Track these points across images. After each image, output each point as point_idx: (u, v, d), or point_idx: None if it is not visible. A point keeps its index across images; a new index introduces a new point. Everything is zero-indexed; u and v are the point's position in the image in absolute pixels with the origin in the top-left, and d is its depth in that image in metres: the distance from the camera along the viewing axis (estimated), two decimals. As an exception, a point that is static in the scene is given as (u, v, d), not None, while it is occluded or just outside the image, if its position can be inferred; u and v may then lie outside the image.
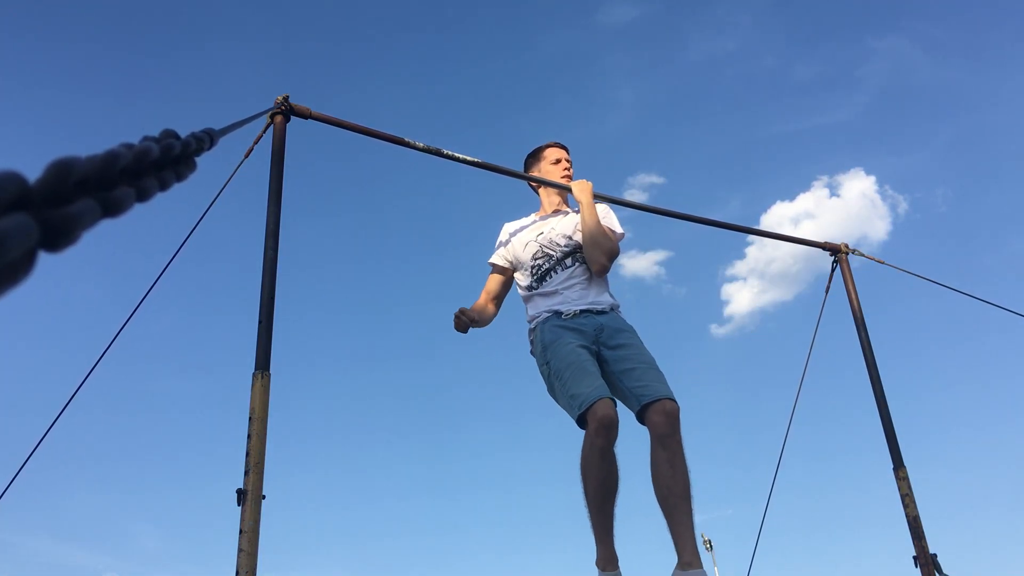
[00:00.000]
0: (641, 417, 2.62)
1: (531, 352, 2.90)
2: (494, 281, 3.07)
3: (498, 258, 3.06)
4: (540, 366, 2.80)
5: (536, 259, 2.92)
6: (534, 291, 2.90)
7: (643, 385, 2.62)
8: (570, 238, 2.95)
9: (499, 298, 3.08)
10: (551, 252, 2.92)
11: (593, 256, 2.85)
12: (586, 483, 2.52)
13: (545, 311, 2.83)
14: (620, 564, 2.58)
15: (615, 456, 2.52)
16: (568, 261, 2.90)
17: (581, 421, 2.53)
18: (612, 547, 2.56)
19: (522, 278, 2.98)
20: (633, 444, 2.79)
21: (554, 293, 2.85)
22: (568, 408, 2.60)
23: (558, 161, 3.13)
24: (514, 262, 3.02)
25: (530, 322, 2.90)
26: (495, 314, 3.08)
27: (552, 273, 2.88)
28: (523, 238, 2.99)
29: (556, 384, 2.67)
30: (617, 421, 2.50)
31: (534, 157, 3.19)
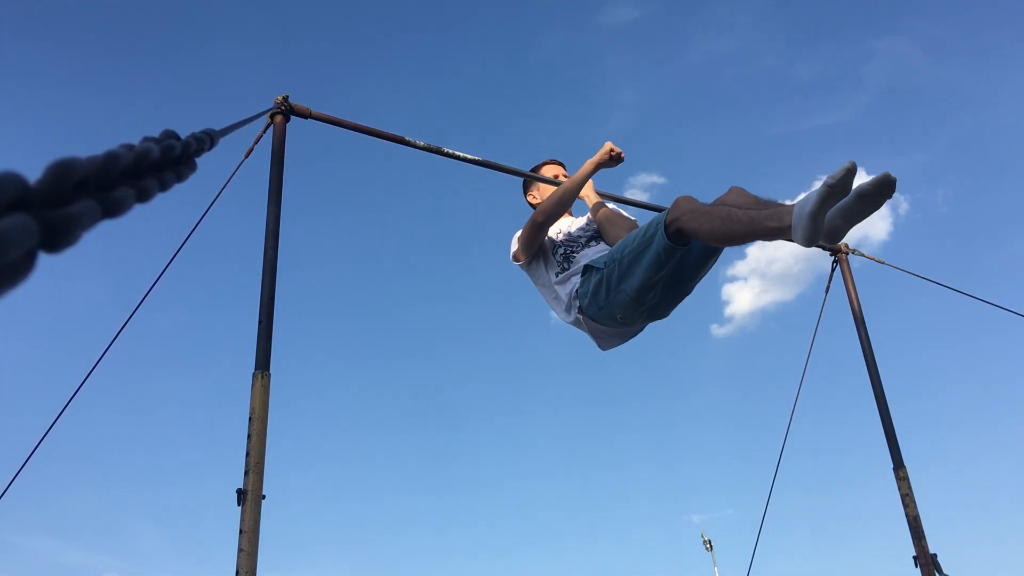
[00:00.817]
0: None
1: (578, 305, 2.66)
2: None
3: None
4: (595, 286, 2.53)
5: (558, 248, 2.88)
6: (564, 271, 2.80)
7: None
8: (588, 226, 2.93)
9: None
10: (573, 243, 2.88)
11: (619, 236, 2.75)
12: (715, 221, 2.00)
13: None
14: None
15: None
16: (593, 243, 2.86)
17: (669, 227, 2.15)
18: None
19: (547, 270, 2.87)
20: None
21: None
22: (647, 242, 2.25)
23: (556, 177, 3.14)
24: (545, 242, 2.92)
25: (566, 297, 2.74)
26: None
27: (577, 253, 2.83)
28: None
29: (623, 259, 2.37)
30: None
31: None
